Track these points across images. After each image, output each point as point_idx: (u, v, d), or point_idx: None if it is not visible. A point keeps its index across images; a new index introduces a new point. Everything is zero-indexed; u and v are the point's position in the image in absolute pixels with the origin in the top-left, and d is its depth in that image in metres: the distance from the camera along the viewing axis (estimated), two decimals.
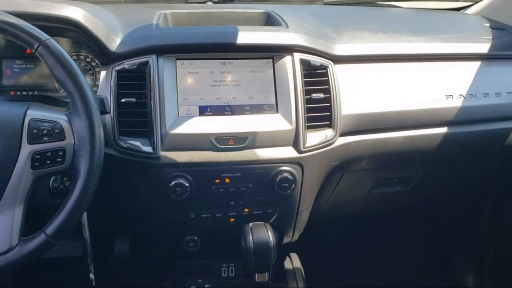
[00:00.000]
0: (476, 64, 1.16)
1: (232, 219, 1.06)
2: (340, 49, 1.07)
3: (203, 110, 0.98)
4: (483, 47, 1.18)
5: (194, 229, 1.08)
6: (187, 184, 0.97)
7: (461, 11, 1.49)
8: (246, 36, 1.00)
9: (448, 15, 1.45)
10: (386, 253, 1.74)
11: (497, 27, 1.29)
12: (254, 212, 1.06)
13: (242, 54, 1.01)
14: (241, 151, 0.98)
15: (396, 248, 1.74)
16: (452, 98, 1.11)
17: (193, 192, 0.98)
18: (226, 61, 1.01)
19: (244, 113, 0.99)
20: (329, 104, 1.02)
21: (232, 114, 0.99)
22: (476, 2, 1.46)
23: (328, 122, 1.02)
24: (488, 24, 1.31)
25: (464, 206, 1.60)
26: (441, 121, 1.12)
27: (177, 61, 0.99)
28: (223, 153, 0.97)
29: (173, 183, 0.96)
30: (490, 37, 1.22)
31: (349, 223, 1.60)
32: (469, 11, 1.45)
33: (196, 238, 1.09)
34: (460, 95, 1.12)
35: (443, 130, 1.12)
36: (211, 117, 0.97)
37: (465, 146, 1.17)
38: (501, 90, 1.15)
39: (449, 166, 1.27)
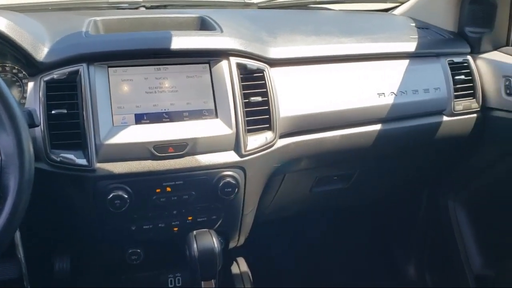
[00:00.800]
0: (405, 62, 1.21)
1: (175, 229, 1.04)
2: (275, 53, 1.08)
3: (140, 118, 0.95)
4: (411, 46, 1.23)
5: (136, 241, 1.05)
6: (126, 196, 0.93)
7: (388, 12, 1.55)
8: (181, 41, 0.98)
9: (376, 16, 1.51)
10: (330, 250, 1.78)
11: (422, 27, 1.36)
12: (198, 220, 1.04)
13: (177, 59, 1.00)
14: (181, 159, 0.96)
15: (340, 244, 1.79)
16: (384, 96, 1.16)
17: (133, 203, 0.95)
18: (161, 67, 0.99)
19: (183, 120, 0.97)
20: (267, 107, 1.03)
21: (170, 121, 0.97)
22: (402, 3, 1.53)
23: (267, 125, 1.03)
24: (413, 24, 1.37)
25: (402, 200, 1.67)
26: (375, 118, 1.16)
27: (109, 68, 0.96)
28: (163, 161, 0.94)
29: (111, 195, 0.93)
30: (416, 36, 1.28)
31: (293, 222, 1.62)
32: (396, 11, 1.52)
33: (139, 250, 1.05)
34: (391, 92, 1.17)
35: (377, 127, 1.17)
36: (148, 125, 0.95)
37: (398, 142, 1.22)
38: (428, 86, 1.21)
39: (385, 162, 1.32)
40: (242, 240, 1.18)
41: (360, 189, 1.41)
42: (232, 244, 1.16)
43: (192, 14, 1.17)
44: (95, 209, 0.96)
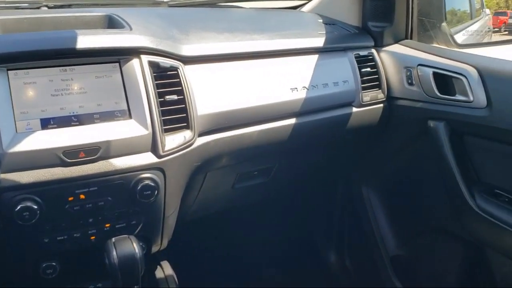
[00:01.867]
0: (315, 57, 1.26)
1: (92, 237, 0.99)
2: (188, 50, 1.06)
3: (46, 123, 0.89)
4: (319, 41, 1.28)
5: (50, 254, 0.98)
6: (35, 207, 0.87)
7: (297, 9, 1.60)
8: (87, 40, 0.93)
9: (286, 14, 1.55)
10: (255, 244, 1.80)
11: (329, 23, 1.41)
12: (117, 226, 1.00)
13: (84, 59, 0.94)
14: (94, 163, 0.91)
15: (264, 238, 1.81)
16: (297, 90, 1.19)
17: (43, 214, 0.89)
18: (68, 68, 0.93)
19: (93, 122, 0.92)
20: (184, 106, 1.01)
21: (80, 124, 0.91)
22: (310, 1, 1.59)
23: (185, 124, 1.02)
24: (321, 20, 1.43)
25: (320, 189, 1.73)
26: (290, 113, 1.19)
27: (9, 71, 0.89)
28: (74, 167, 0.89)
29: (18, 207, 0.86)
30: (324, 32, 1.33)
31: (218, 220, 1.62)
32: (304, 9, 1.57)
33: (54, 263, 0.99)
34: (303, 87, 1.20)
35: (292, 121, 1.20)
36: (56, 130, 0.89)
37: (313, 134, 1.27)
38: (337, 79, 1.27)
39: (302, 154, 1.36)
40: (165, 243, 1.15)
41: (280, 182, 1.44)
42: (155, 248, 1.13)
43: (99, 12, 1.12)
44: (1, 223, 0.89)
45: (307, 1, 1.60)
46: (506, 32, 1.69)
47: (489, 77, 1.16)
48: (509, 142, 1.17)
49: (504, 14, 1.91)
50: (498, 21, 1.88)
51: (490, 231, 1.20)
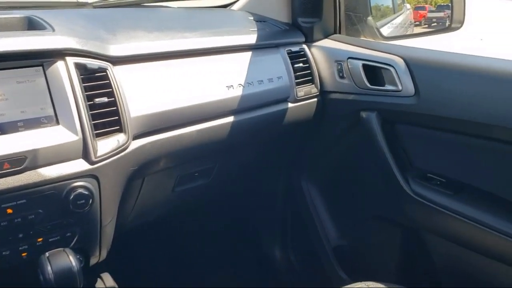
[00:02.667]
0: (248, 54, 1.26)
1: (24, 254, 0.92)
2: (116, 50, 1.02)
3: None
4: (251, 38, 1.28)
5: None
6: None
7: (228, 7, 1.59)
8: (3, 43, 0.86)
9: (217, 12, 1.54)
10: (200, 248, 1.78)
11: (260, 20, 1.42)
12: (50, 240, 0.94)
13: (2, 64, 0.88)
14: (21, 174, 0.85)
15: (209, 240, 1.79)
16: (233, 88, 1.18)
17: None
18: None
19: (17, 131, 0.86)
20: (115, 108, 0.97)
21: (3, 133, 0.85)
22: (236, 1, 1.58)
23: (118, 127, 0.97)
24: (252, 18, 1.43)
25: (261, 187, 1.73)
26: (227, 111, 1.18)
27: None
28: None
29: None
30: (256, 29, 1.33)
31: (159, 226, 1.57)
32: (234, 7, 1.56)
33: None
34: (239, 84, 1.20)
35: (230, 119, 1.19)
36: None
37: (251, 131, 1.26)
38: (272, 75, 1.27)
39: (242, 152, 1.36)
40: (104, 254, 1.10)
41: (222, 182, 1.42)
42: (93, 260, 1.08)
43: (17, 14, 1.05)
44: None
45: (236, 0, 1.59)
46: (426, 25, 1.79)
47: (415, 66, 1.22)
48: (437, 127, 1.23)
49: (423, 8, 2.02)
50: (418, 15, 1.99)
51: (425, 214, 1.25)
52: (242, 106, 1.20)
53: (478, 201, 1.18)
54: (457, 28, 1.44)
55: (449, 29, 1.46)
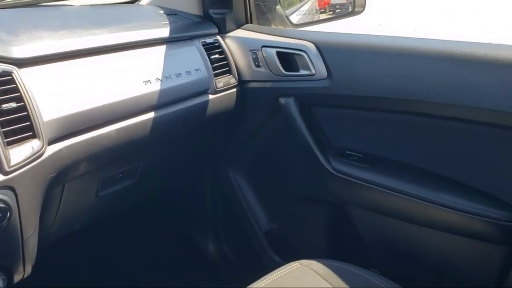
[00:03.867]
0: (163, 48, 1.24)
1: None
2: (20, 52, 0.96)
3: None
4: (164, 32, 1.26)
5: None
6: None
7: (135, 3, 1.55)
8: None
9: (125, 8, 1.50)
10: (134, 252, 1.73)
11: (170, 13, 1.40)
12: None
13: None
14: None
15: (142, 243, 1.75)
16: (151, 83, 1.16)
17: None
18: None
19: None
20: (26, 113, 0.91)
21: None
22: None
23: (31, 133, 0.91)
24: (162, 12, 1.41)
25: (189, 181, 1.72)
26: (146, 107, 1.15)
27: None
28: None
29: None
30: (168, 22, 1.32)
31: (86, 234, 1.51)
32: (142, 2, 1.53)
33: None
34: (156, 79, 1.18)
35: (151, 115, 1.17)
36: None
37: (174, 126, 1.25)
38: (189, 68, 1.26)
39: (166, 148, 1.34)
40: (29, 270, 1.03)
41: (148, 181, 1.39)
42: (17, 277, 1.01)
43: None
44: None
45: None
46: (331, 12, 1.87)
47: (326, 50, 1.27)
48: (350, 106, 1.30)
49: None
50: (323, 2, 2.08)
51: (347, 188, 1.32)
52: (162, 100, 1.18)
53: (393, 171, 1.27)
54: (360, 12, 1.53)
55: (353, 13, 1.55)
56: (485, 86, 1.06)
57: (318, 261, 1.14)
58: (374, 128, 1.30)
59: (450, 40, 1.16)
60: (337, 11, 1.74)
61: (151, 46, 1.22)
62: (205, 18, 1.44)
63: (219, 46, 1.38)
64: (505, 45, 1.07)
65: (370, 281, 1.07)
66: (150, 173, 1.36)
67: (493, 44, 1.09)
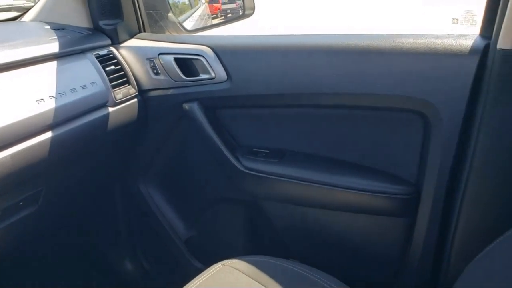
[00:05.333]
0: (54, 64, 1.18)
1: None
2: None
3: None
4: (53, 47, 1.20)
5: None
6: None
7: (17, 20, 1.46)
8: None
9: (7, 25, 1.40)
10: (50, 277, 1.62)
11: (58, 28, 1.34)
12: None
13: None
14: None
15: (57, 269, 1.64)
16: (44, 101, 1.10)
17: None
18: None
19: None
20: None
21: None
22: (27, 10, 1.46)
23: None
24: (48, 27, 1.34)
25: (99, 200, 1.65)
26: (42, 126, 1.09)
27: None
28: None
29: None
30: (55, 37, 1.26)
31: None
32: (25, 18, 1.44)
33: None
34: (50, 96, 1.12)
35: (48, 135, 1.10)
36: None
37: (75, 143, 1.19)
38: (85, 82, 1.22)
39: (69, 168, 1.27)
40: None
41: (53, 206, 1.31)
42: None
43: None
44: None
45: (24, 12, 1.47)
46: (223, 17, 1.91)
47: (222, 53, 1.30)
48: (251, 106, 1.34)
49: (217, 1, 2.16)
50: (214, 8, 2.12)
51: (259, 184, 1.37)
52: (58, 118, 1.12)
53: (298, 162, 1.33)
54: (250, 14, 1.59)
55: (243, 16, 1.60)
56: (368, 74, 1.16)
57: (239, 259, 1.16)
58: (276, 124, 1.36)
59: (333, 34, 1.25)
60: (228, 15, 1.79)
61: (41, 63, 1.15)
62: (96, 30, 1.40)
63: (114, 57, 1.35)
64: (386, 35, 1.18)
65: (288, 269, 1.12)
66: (54, 197, 1.28)
67: (375, 34, 1.20)
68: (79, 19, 1.40)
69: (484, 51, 1.02)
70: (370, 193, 1.24)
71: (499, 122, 0.96)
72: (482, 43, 1.05)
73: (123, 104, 1.32)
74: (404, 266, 1.29)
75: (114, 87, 1.30)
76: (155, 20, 1.50)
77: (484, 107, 0.97)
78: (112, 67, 1.32)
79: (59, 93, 1.14)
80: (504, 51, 0.91)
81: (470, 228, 1.08)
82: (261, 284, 1.07)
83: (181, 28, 1.54)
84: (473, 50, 1.05)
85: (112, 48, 1.36)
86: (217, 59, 1.30)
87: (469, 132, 1.04)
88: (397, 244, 1.29)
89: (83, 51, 1.28)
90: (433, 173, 1.15)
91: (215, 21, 1.84)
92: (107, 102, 1.28)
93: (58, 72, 1.17)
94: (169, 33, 1.53)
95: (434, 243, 1.19)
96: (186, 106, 1.36)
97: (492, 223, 1.04)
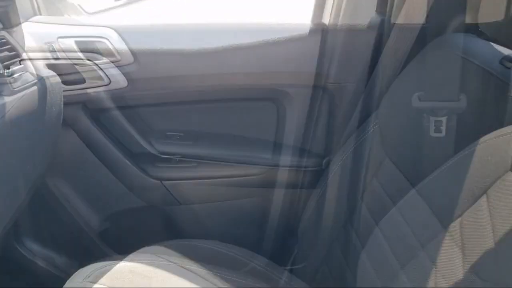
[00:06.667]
0: None
1: None
2: None
3: None
4: None
5: None
6: None
7: None
8: None
9: None
10: None
11: None
12: None
13: None
14: None
15: None
16: None
17: None
18: None
19: None
20: None
21: None
22: None
23: None
24: None
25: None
26: None
27: None
28: None
29: None
30: None
31: None
32: None
33: None
34: None
35: None
36: None
37: None
38: None
39: None
40: None
41: None
42: None
43: None
44: None
45: None
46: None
47: (127, 34, 1.26)
48: (156, 88, 1.32)
49: None
50: None
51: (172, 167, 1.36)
52: None
53: (210, 144, 1.35)
54: None
55: None
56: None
57: (158, 245, 1.16)
58: (185, 109, 1.36)
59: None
60: None
61: None
62: None
63: (7, 43, 1.24)
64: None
65: (204, 248, 1.15)
66: None
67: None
68: None
69: (380, 26, 1.11)
70: (283, 168, 1.29)
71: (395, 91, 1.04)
72: (378, 19, 1.13)
73: (21, 92, 1.22)
74: (316, 237, 1.36)
75: (10, 74, 1.20)
76: (51, 2, 1.41)
77: (383, 79, 1.05)
78: (6, 53, 1.21)
79: None
80: (398, 25, 0.99)
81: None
82: (182, 265, 1.08)
83: (80, 10, 1.46)
84: (370, 26, 1.13)
85: (4, 33, 1.25)
86: (121, 40, 1.26)
87: (369, 102, 1.12)
88: (306, 213, 1.34)
89: None
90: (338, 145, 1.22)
91: (116, 2, 1.78)
92: (2, 91, 1.18)
93: None
94: (68, 16, 1.44)
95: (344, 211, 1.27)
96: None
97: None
